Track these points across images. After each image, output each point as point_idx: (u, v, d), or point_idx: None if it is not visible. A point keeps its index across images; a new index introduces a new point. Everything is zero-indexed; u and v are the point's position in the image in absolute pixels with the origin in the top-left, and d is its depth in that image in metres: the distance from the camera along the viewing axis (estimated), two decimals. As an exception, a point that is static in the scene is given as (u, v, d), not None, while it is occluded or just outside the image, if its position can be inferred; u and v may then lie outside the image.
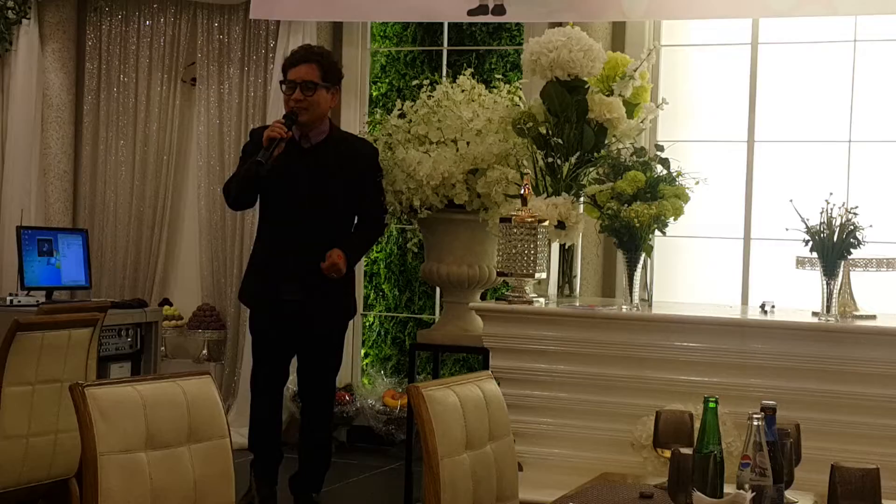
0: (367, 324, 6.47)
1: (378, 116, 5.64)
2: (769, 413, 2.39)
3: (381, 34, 6.49)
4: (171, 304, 6.43)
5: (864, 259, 4.11)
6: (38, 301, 5.57)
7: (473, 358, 5.15)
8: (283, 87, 4.61)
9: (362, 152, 4.77)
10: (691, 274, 5.71)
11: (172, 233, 6.53)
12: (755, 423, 2.31)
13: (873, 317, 4.04)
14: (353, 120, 6.21)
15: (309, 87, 4.54)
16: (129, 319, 5.87)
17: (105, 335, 5.46)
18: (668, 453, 2.56)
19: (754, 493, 2.26)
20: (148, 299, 6.33)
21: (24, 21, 6.54)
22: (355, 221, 4.76)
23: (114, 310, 5.37)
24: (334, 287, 4.61)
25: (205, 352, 6.22)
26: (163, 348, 6.15)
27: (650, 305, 4.46)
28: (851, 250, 4.04)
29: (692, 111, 5.68)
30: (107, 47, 6.63)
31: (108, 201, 6.59)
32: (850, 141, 5.42)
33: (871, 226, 4.07)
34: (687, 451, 2.40)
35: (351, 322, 5.59)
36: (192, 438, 2.35)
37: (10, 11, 6.55)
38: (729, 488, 2.31)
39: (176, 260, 6.55)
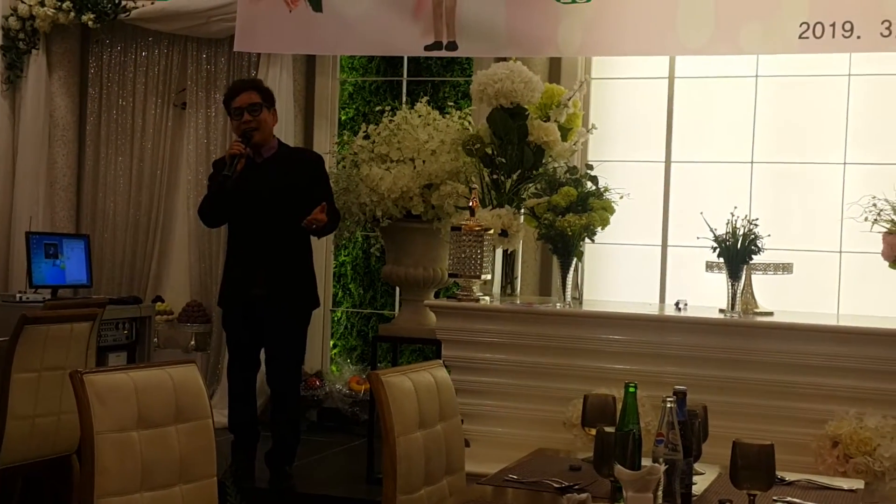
0: (336, 318, 6.43)
1: (346, 138, 5.62)
2: (680, 397, 2.41)
3: (349, 66, 6.46)
4: (163, 301, 6.36)
5: (763, 263, 4.14)
6: (44, 298, 5.49)
7: (428, 348, 5.13)
8: (231, 115, 4.64)
9: (309, 159, 4.80)
10: (617, 276, 5.69)
11: (164, 237, 6.45)
12: (668, 405, 2.33)
13: (771, 313, 4.07)
14: (325, 141, 6.17)
15: (255, 109, 4.57)
16: (125, 314, 5.79)
17: (104, 328, 5.39)
18: (594, 431, 2.57)
19: (667, 466, 2.28)
20: (142, 296, 6.26)
21: (34, 51, 6.44)
22: None
23: (111, 306, 5.30)
24: (297, 284, 4.60)
25: (193, 343, 6.15)
26: (155, 340, 6.07)
27: (581, 303, 4.47)
28: (752, 256, 4.08)
29: (618, 135, 5.66)
30: (107, 75, 6.55)
31: (108, 210, 6.51)
32: (752, 162, 5.44)
33: (769, 235, 4.11)
34: (610, 429, 2.41)
35: (321, 316, 5.57)
36: (179, 419, 2.33)
37: (21, 42, 6.45)
38: (646, 462, 2.32)
39: (168, 261, 6.47)
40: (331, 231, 4.84)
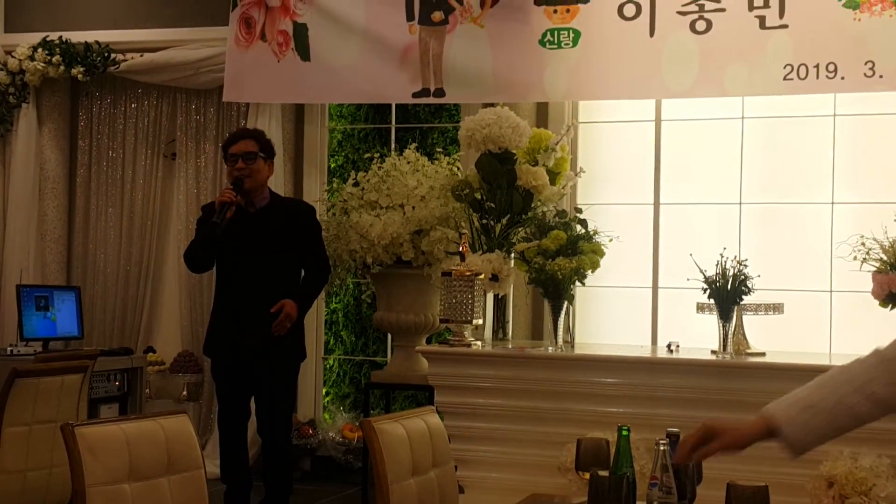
0: (328, 365, 6.41)
1: (335, 185, 5.65)
2: (673, 439, 2.40)
3: (338, 114, 6.51)
4: (154, 351, 6.34)
5: (754, 304, 4.15)
6: (35, 351, 5.47)
7: (421, 394, 5.12)
8: (227, 161, 4.63)
9: (301, 210, 4.77)
10: (608, 319, 5.69)
11: (155, 288, 6.45)
12: (661, 447, 2.33)
13: (763, 354, 4.07)
14: (314, 188, 6.20)
15: (250, 157, 4.56)
16: (116, 365, 5.77)
17: (95, 380, 5.37)
18: (588, 476, 2.56)
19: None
20: (134, 347, 6.24)
21: (24, 105, 6.49)
22: (302, 273, 4.72)
23: (103, 357, 5.28)
24: (287, 337, 4.57)
25: (185, 393, 6.12)
26: (147, 390, 6.05)
27: (573, 346, 4.46)
28: (743, 296, 4.09)
29: (606, 178, 5.69)
30: (97, 127, 6.59)
31: (99, 261, 6.51)
32: (740, 203, 5.48)
33: (759, 276, 4.13)
34: (604, 473, 2.40)
35: (313, 364, 5.55)
36: (171, 470, 2.32)
37: (11, 97, 6.49)
38: (640, 505, 2.31)
39: (159, 312, 6.47)
40: (316, 295, 4.82)
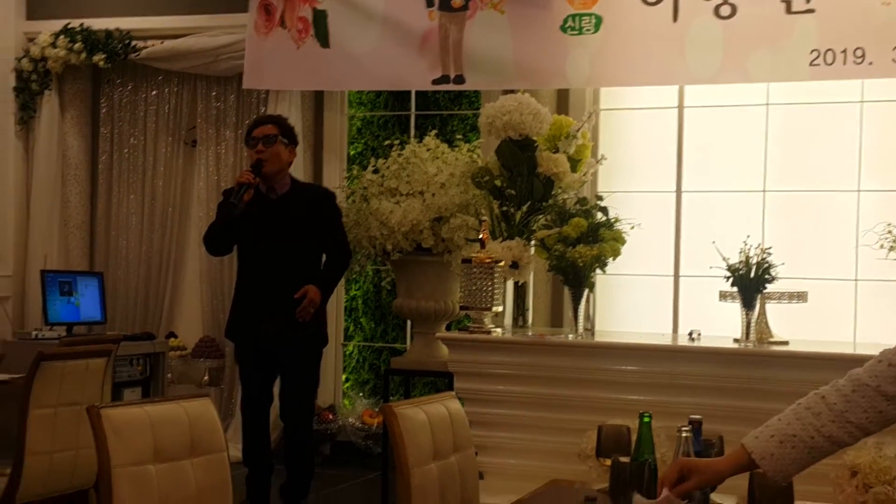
0: (348, 352, 6.44)
1: (355, 172, 5.66)
2: (695, 426, 2.40)
3: (357, 101, 6.51)
4: (176, 337, 6.38)
5: (777, 292, 4.13)
6: (59, 335, 5.53)
7: (440, 381, 5.13)
8: (248, 143, 4.68)
9: (322, 196, 4.79)
10: (629, 307, 5.68)
11: (177, 274, 6.50)
12: (683, 434, 2.32)
13: (786, 342, 4.06)
14: (334, 176, 6.21)
15: (270, 140, 4.60)
16: (139, 350, 5.82)
17: (118, 364, 5.41)
18: (609, 462, 2.57)
19: (685, 498, 2.27)
20: (156, 332, 6.29)
21: (46, 92, 6.53)
22: (323, 258, 4.75)
23: (126, 342, 5.33)
24: (309, 320, 4.60)
25: (206, 378, 6.16)
26: (169, 375, 6.10)
27: (593, 334, 4.45)
28: (766, 285, 4.08)
29: (628, 165, 5.67)
30: (118, 114, 6.62)
31: (121, 247, 6.56)
32: (764, 190, 5.45)
33: (783, 264, 4.11)
34: (625, 459, 2.40)
35: (332, 350, 5.57)
36: (194, 452, 2.34)
37: (33, 84, 6.54)
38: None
39: (180, 297, 6.51)
40: (338, 281, 4.86)
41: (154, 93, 6.55)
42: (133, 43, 6.40)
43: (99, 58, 6.39)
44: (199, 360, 6.18)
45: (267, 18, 5.83)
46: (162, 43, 6.35)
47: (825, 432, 2.05)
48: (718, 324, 4.46)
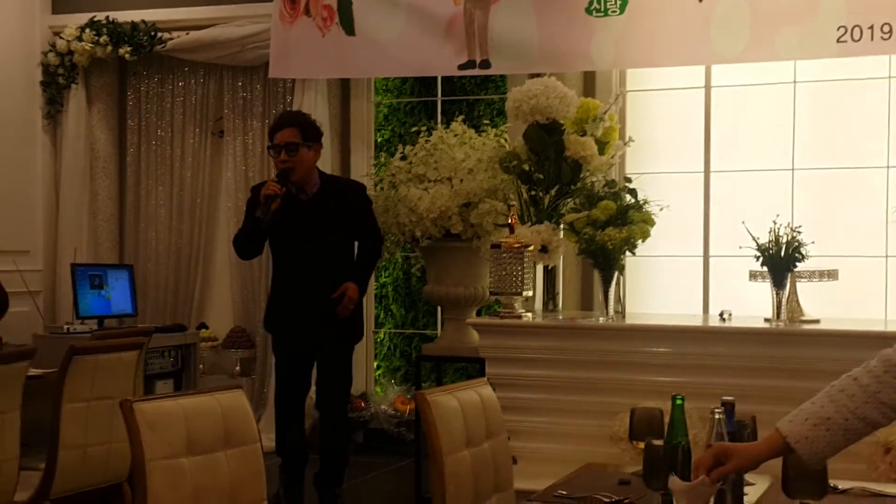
0: (378, 339, 6.46)
1: (382, 160, 5.66)
2: (728, 407, 2.39)
3: (384, 88, 6.51)
4: (207, 328, 6.43)
5: (808, 271, 4.11)
6: (91, 329, 5.57)
7: (472, 367, 5.13)
8: (271, 150, 4.63)
9: (352, 190, 4.79)
10: (659, 288, 5.67)
11: (207, 265, 6.53)
12: (717, 416, 2.31)
13: (817, 321, 4.04)
14: (361, 163, 6.22)
15: (292, 149, 4.54)
16: (170, 342, 5.86)
17: (150, 356, 5.45)
18: (642, 445, 2.56)
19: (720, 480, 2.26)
20: (187, 324, 6.33)
21: (73, 85, 6.57)
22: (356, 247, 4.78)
23: (157, 334, 5.35)
24: (348, 318, 4.64)
25: (238, 368, 6.20)
26: (201, 366, 6.14)
27: (624, 316, 4.45)
28: (797, 264, 4.05)
29: (656, 147, 5.65)
30: (145, 106, 6.66)
31: (150, 239, 6.60)
32: (793, 169, 5.40)
33: (812, 242, 4.08)
34: (659, 442, 2.40)
35: (364, 338, 5.57)
36: (228, 444, 2.34)
37: (60, 77, 6.58)
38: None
39: (210, 288, 6.55)
40: (373, 270, 4.90)
41: (181, 84, 6.57)
42: (159, 35, 6.42)
43: (125, 50, 6.42)
44: (231, 350, 6.22)
45: (292, 7, 5.84)
46: (187, 34, 6.38)
47: (859, 413, 2.06)
48: (749, 304, 4.46)
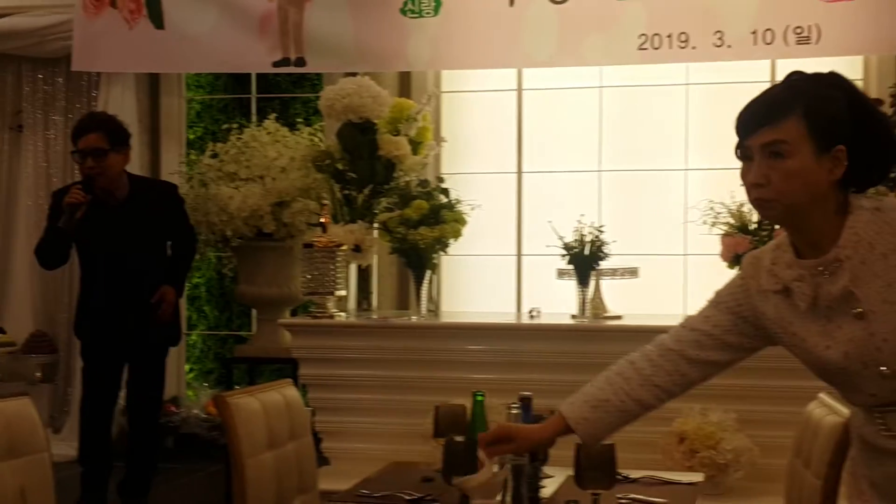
0: (191, 342, 6.30)
1: (193, 157, 5.53)
2: (525, 402, 2.46)
3: (196, 84, 6.35)
4: (4, 332, 6.10)
5: (610, 269, 4.27)
6: None
7: (287, 368, 5.07)
8: (75, 155, 4.41)
9: (163, 193, 4.65)
10: (476, 287, 5.71)
11: (4, 267, 6.20)
12: (513, 412, 2.39)
13: (620, 317, 4.20)
14: (172, 161, 6.01)
15: (99, 154, 4.34)
16: (-38, 348, 5.56)
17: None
18: (444, 441, 2.60)
19: (514, 470, 2.32)
20: (-18, 329, 6.00)
21: None
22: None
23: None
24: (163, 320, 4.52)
25: (39, 374, 5.92)
26: (-2, 373, 5.84)
27: (437, 315, 4.51)
28: (600, 262, 4.21)
29: (471, 147, 5.70)
30: (-63, 97, 6.27)
31: (-58, 239, 6.23)
32: (599, 170, 5.58)
33: (615, 241, 4.25)
34: (460, 439, 2.44)
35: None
36: (12, 454, 2.25)
37: None
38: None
39: (9, 292, 6.22)
40: (188, 271, 4.80)
41: (-25, 76, 6.22)
42: (-48, 23, 6.06)
43: (-87, 39, 6.03)
44: (31, 355, 5.93)
45: (97, -2, 5.62)
46: (-17, 23, 6.04)
47: (634, 396, 2.15)
48: (560, 302, 4.56)
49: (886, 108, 4.39)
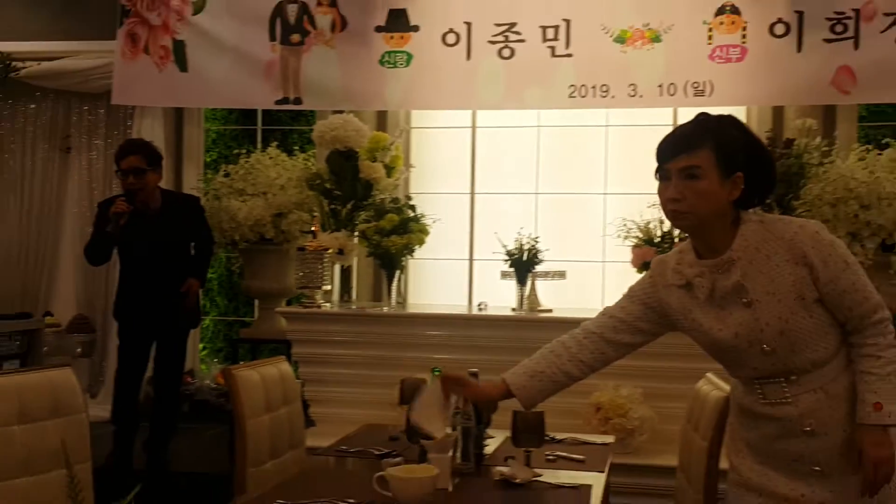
0: (205, 325, 6.23)
1: (209, 176, 5.49)
2: (474, 376, 2.47)
3: (212, 116, 6.29)
4: (52, 315, 6.01)
5: (543, 272, 4.30)
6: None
7: (282, 347, 5.05)
8: (119, 174, 4.40)
9: (189, 203, 4.63)
10: (437, 285, 5.72)
11: (52, 262, 6.11)
12: (464, 384, 2.38)
13: (550, 310, 4.22)
14: (192, 179, 5.97)
15: (139, 173, 4.33)
16: (17, 327, 5.46)
17: (-1, 340, 5.07)
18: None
19: (464, 432, 2.33)
20: (34, 312, 5.91)
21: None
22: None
23: (3, 320, 5.00)
24: (188, 309, 4.48)
25: (79, 350, 5.83)
26: (45, 348, 5.74)
27: (404, 306, 4.51)
28: (535, 266, 4.24)
29: (433, 172, 5.70)
30: (0, 124, 6.17)
31: (2, 241, 6.12)
32: (537, 193, 5.61)
33: (548, 249, 4.27)
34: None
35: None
36: (56, 414, 2.22)
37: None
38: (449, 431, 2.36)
39: (56, 282, 6.13)
40: (209, 266, 4.75)
41: (32, 106, 6.12)
42: (13, 63, 5.96)
43: (-18, 76, 5.92)
44: (73, 335, 5.84)
45: (133, 46, 5.56)
46: (38, 64, 5.95)
47: (564, 369, 2.17)
48: (504, 298, 4.59)
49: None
